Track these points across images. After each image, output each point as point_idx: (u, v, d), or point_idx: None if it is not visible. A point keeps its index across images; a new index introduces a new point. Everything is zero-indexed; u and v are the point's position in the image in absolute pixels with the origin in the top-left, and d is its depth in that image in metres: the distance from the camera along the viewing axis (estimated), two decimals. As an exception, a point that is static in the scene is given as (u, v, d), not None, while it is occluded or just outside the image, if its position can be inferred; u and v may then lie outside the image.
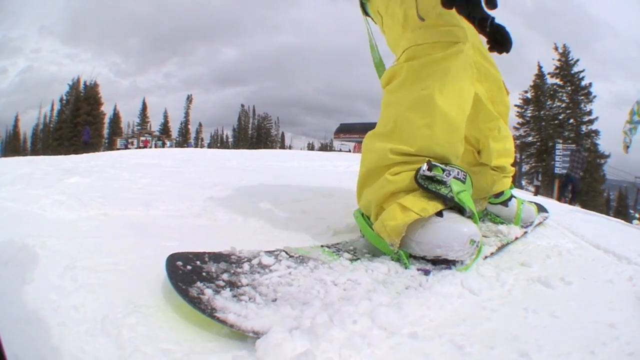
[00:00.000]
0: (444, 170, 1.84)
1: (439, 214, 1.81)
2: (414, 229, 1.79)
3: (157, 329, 1.15)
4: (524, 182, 44.97)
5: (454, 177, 1.84)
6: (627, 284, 2.02)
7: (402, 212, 1.82)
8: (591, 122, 46.28)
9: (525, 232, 2.72)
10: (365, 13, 2.56)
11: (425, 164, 1.83)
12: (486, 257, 2.10)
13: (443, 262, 1.79)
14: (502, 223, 2.77)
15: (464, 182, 1.88)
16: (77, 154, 7.88)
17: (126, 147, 45.37)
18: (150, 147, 39.26)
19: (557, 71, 48.38)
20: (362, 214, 2.01)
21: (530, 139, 50.43)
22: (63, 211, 2.32)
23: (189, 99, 79.57)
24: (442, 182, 1.81)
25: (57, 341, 1.04)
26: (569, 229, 3.25)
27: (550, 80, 49.33)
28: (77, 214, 2.29)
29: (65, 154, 7.55)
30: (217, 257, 1.53)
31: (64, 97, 63.98)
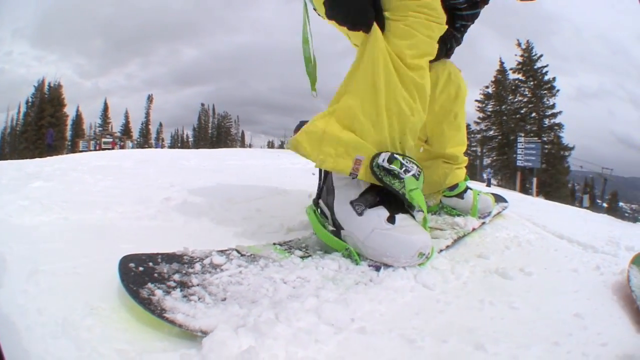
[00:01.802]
0: (402, 165, 1.83)
1: (392, 220, 1.79)
2: (364, 232, 1.78)
3: (112, 330, 1.15)
4: (485, 175, 45.56)
5: (412, 175, 1.83)
6: (594, 273, 2.01)
7: (318, 136, 1.88)
8: (554, 115, 47.01)
9: (483, 223, 2.73)
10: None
11: (387, 154, 1.83)
12: (441, 251, 2.09)
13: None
14: (458, 215, 2.77)
15: (417, 179, 1.87)
16: (41, 157, 7.74)
17: (100, 148, 45.15)
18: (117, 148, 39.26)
19: (520, 66, 49.07)
20: (314, 211, 1.99)
21: (491, 132, 51.14)
22: (27, 217, 2.29)
23: (150, 99, 78.27)
24: (397, 177, 1.81)
25: (26, 344, 1.05)
26: (530, 219, 3.24)
27: (513, 76, 50.05)
28: (39, 219, 2.27)
29: (31, 158, 7.43)
30: (169, 258, 1.53)
31: (30, 100, 63.12)
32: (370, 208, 1.83)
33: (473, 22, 2.64)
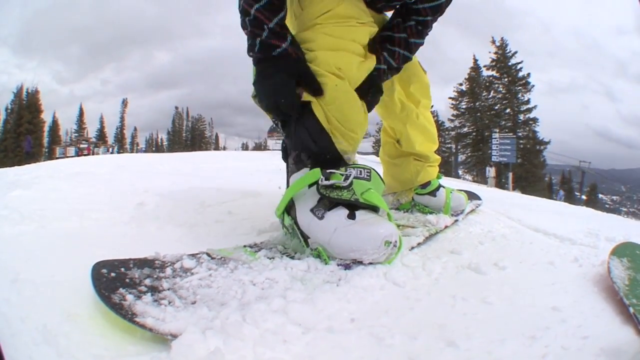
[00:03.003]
0: (342, 175, 1.84)
1: (352, 216, 1.80)
2: (328, 233, 1.78)
3: (88, 336, 1.17)
4: (460, 172, 45.90)
5: (355, 177, 1.84)
6: (573, 265, 2.00)
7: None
8: (529, 110, 47.59)
9: (456, 221, 2.72)
10: None
11: (322, 175, 1.85)
12: (413, 248, 2.08)
13: (361, 264, 1.76)
14: (431, 213, 2.76)
15: (368, 180, 1.87)
16: (20, 165, 7.69)
17: (81, 154, 44.84)
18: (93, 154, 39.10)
19: (494, 63, 49.53)
20: (283, 212, 1.99)
21: (465, 129, 51.59)
22: (7, 226, 2.28)
23: (124, 103, 77.40)
24: (343, 188, 1.82)
25: (12, 351, 1.06)
26: (504, 214, 3.23)
27: (487, 73, 50.53)
28: (19, 229, 2.25)
29: (10, 166, 7.38)
30: (141, 263, 1.54)
31: (9, 107, 62.31)
32: (329, 211, 1.84)
33: (436, 15, 2.37)
